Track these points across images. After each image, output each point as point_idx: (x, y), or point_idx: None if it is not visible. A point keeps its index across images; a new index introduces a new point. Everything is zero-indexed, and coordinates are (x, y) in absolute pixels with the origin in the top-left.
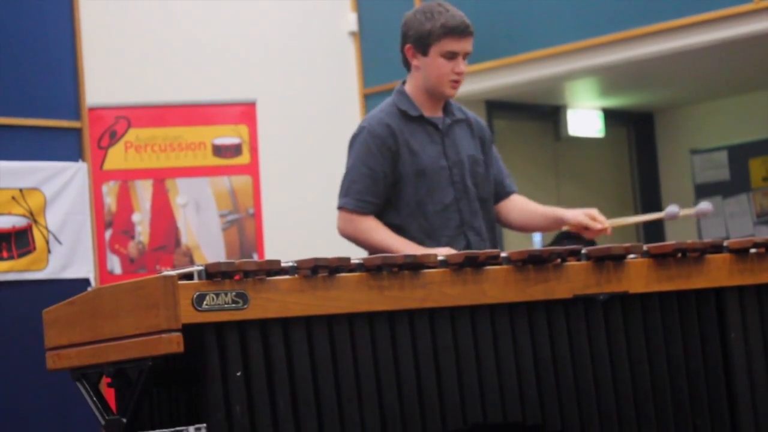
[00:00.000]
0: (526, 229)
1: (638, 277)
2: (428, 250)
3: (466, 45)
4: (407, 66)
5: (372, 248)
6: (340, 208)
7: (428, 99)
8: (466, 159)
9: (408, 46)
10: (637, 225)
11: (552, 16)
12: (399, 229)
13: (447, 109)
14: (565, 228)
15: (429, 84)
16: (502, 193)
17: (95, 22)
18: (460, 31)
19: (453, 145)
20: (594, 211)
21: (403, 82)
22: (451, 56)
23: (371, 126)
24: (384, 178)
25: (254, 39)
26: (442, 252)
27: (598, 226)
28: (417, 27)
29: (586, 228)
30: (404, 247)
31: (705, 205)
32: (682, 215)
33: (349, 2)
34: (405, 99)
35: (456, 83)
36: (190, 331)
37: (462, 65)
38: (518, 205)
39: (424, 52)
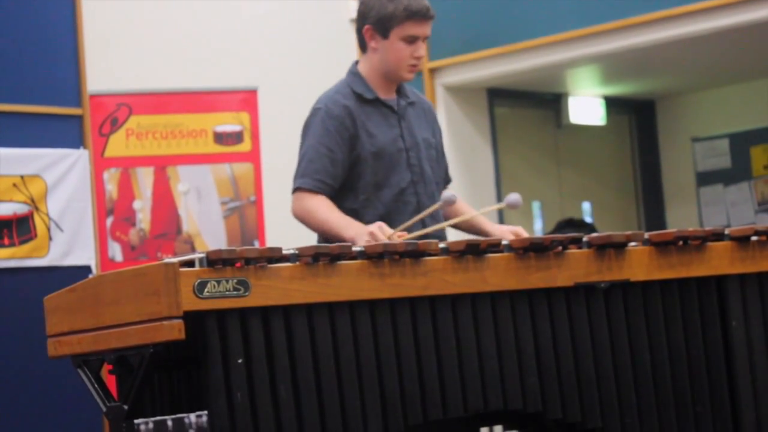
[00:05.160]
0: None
1: (639, 265)
2: (367, 227)
3: (426, 29)
4: (363, 47)
5: (317, 227)
6: (297, 189)
7: (383, 81)
8: (421, 142)
9: (367, 27)
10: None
11: (553, 4)
12: (355, 214)
13: (401, 91)
14: None
15: (387, 67)
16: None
17: (96, 8)
18: (422, 15)
19: (408, 127)
20: (519, 229)
21: (356, 63)
22: (412, 40)
23: (328, 107)
24: (342, 160)
25: (255, 26)
26: (373, 228)
27: None
28: (378, 8)
29: None
30: (345, 225)
31: (513, 197)
32: (492, 209)
33: None
34: (359, 81)
35: (414, 67)
36: (191, 318)
37: (421, 49)
38: None
39: (384, 34)
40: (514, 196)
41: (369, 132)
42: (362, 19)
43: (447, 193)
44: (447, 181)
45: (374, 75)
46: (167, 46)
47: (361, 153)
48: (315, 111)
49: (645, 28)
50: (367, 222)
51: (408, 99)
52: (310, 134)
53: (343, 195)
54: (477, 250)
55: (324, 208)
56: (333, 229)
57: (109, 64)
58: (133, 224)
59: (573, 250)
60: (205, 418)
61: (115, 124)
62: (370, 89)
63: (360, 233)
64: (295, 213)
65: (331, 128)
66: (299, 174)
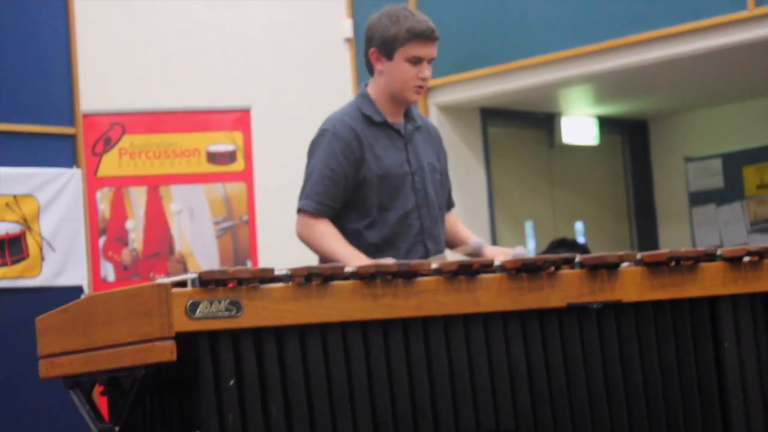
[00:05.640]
0: (448, 248)
1: (632, 286)
2: (373, 262)
3: (431, 50)
4: (370, 70)
5: (322, 255)
6: (300, 210)
7: (391, 104)
8: (426, 166)
9: (372, 49)
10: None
11: (546, 23)
12: (359, 234)
13: (408, 114)
14: None
15: (393, 89)
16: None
17: (90, 28)
18: (425, 36)
19: (414, 151)
20: (518, 249)
21: (365, 85)
22: (416, 61)
23: (336, 129)
24: (345, 181)
25: (249, 45)
26: (384, 262)
27: None
28: (382, 31)
29: None
30: (351, 257)
31: (476, 241)
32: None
33: (344, 8)
34: (368, 103)
35: (420, 89)
36: (183, 339)
37: (427, 70)
38: (449, 223)
39: (389, 56)
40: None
41: (376, 154)
42: (368, 42)
43: (476, 242)
44: (450, 205)
45: (382, 97)
46: (160, 65)
47: (368, 175)
48: (322, 132)
49: (638, 48)
50: (371, 243)
51: (415, 123)
52: (316, 155)
53: (347, 215)
54: (469, 270)
55: (330, 237)
56: (337, 260)
57: (102, 83)
58: (126, 244)
59: (565, 271)
60: None
61: (109, 144)
62: (378, 112)
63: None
64: (299, 235)
65: (337, 150)
66: (303, 195)
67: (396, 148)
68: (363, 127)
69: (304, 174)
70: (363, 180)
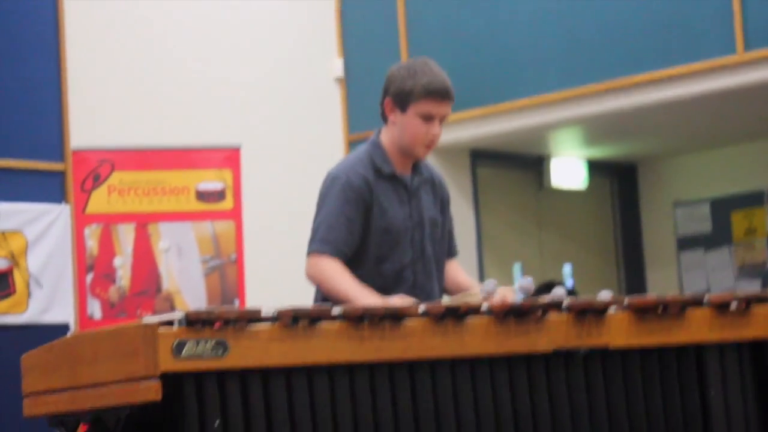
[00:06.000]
0: (448, 295)
1: (619, 331)
2: (386, 299)
3: (445, 109)
4: (384, 118)
5: (334, 293)
6: (313, 251)
7: (400, 155)
8: (427, 221)
9: (387, 99)
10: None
11: (537, 66)
12: None
13: (416, 166)
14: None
15: (402, 142)
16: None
17: (81, 64)
18: (440, 95)
19: (418, 206)
20: (522, 281)
21: (378, 132)
22: (428, 118)
23: (349, 177)
24: (359, 230)
25: (240, 83)
26: (396, 301)
27: None
28: (399, 83)
29: None
30: (364, 296)
31: (490, 284)
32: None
33: (335, 48)
34: (380, 152)
35: (429, 146)
36: (169, 379)
37: (437, 128)
38: (450, 272)
39: (403, 108)
40: (527, 280)
41: (382, 207)
42: (385, 92)
43: (490, 285)
44: (452, 253)
45: (393, 148)
46: (151, 103)
47: (372, 226)
48: (334, 179)
49: (627, 92)
50: None
51: (422, 176)
52: (328, 202)
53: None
54: (457, 313)
55: (345, 276)
56: (351, 300)
57: (92, 119)
58: (113, 281)
59: (553, 315)
60: None
61: (98, 180)
62: (388, 162)
63: None
64: (309, 275)
65: (352, 198)
66: (318, 239)
67: (401, 201)
68: (373, 177)
69: (315, 221)
70: (368, 230)
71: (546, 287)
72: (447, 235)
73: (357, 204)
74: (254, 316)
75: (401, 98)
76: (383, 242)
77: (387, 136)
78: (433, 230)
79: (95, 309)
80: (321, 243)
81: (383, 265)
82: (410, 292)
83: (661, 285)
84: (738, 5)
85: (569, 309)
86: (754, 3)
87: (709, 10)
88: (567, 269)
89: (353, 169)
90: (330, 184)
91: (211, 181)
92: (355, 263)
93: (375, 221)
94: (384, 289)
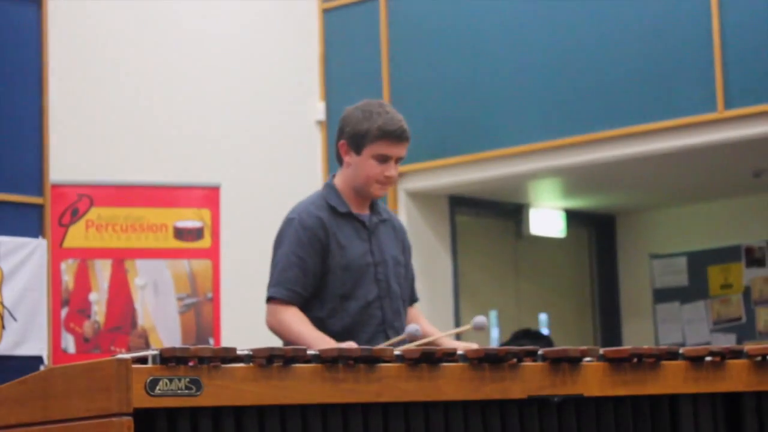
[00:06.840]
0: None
1: (593, 381)
2: (338, 345)
3: (400, 150)
4: (339, 160)
5: (291, 341)
6: (270, 298)
7: (356, 196)
8: (390, 259)
9: (342, 141)
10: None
11: (518, 116)
12: (321, 323)
13: (373, 207)
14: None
15: (356, 183)
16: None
17: (63, 99)
18: (396, 136)
19: (378, 243)
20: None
21: (333, 176)
22: (384, 159)
23: (302, 218)
24: (313, 270)
25: (221, 123)
26: (345, 346)
27: None
28: (354, 124)
29: None
30: (318, 341)
31: (480, 319)
32: (459, 332)
33: (317, 91)
34: (334, 194)
35: (384, 186)
36: (141, 416)
37: (393, 170)
38: (411, 317)
39: (357, 150)
40: (480, 319)
41: (340, 244)
42: (339, 133)
43: (412, 328)
44: (413, 300)
45: (347, 189)
46: (132, 139)
47: (331, 264)
48: (289, 221)
49: (607, 144)
50: (332, 331)
51: (380, 216)
52: (283, 244)
53: (310, 304)
54: (432, 358)
55: (297, 322)
56: (306, 345)
57: (72, 154)
58: (88, 316)
59: (528, 363)
60: None
61: (76, 215)
62: (343, 203)
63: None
64: (269, 325)
65: (304, 239)
66: (272, 283)
67: (360, 238)
68: (328, 216)
69: (272, 263)
70: (327, 269)
71: (522, 335)
72: (410, 281)
73: (311, 244)
74: (229, 355)
75: (356, 140)
76: (345, 279)
77: (341, 179)
78: (397, 268)
79: (69, 343)
80: (276, 287)
81: (348, 303)
82: (379, 328)
83: (636, 336)
84: (719, 64)
85: (544, 358)
86: (735, 62)
87: (691, 67)
88: (543, 318)
89: (306, 210)
90: (284, 226)
91: (189, 219)
92: (319, 303)
93: (334, 259)
94: (352, 328)
